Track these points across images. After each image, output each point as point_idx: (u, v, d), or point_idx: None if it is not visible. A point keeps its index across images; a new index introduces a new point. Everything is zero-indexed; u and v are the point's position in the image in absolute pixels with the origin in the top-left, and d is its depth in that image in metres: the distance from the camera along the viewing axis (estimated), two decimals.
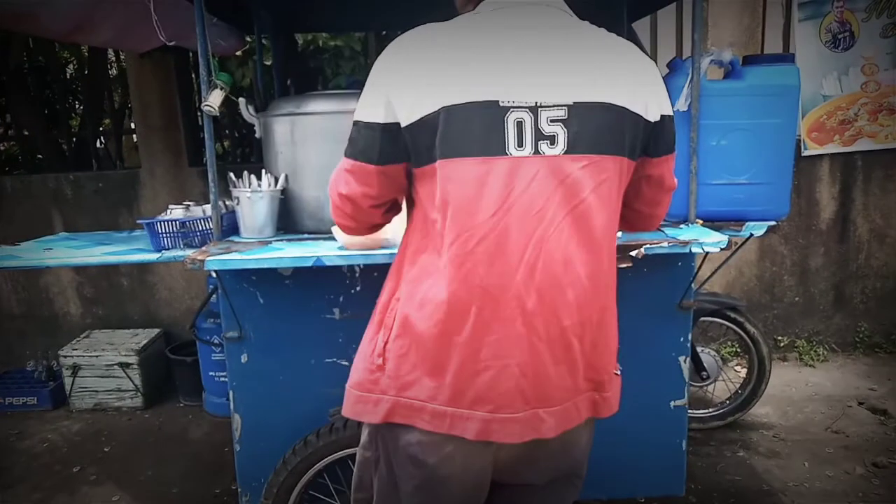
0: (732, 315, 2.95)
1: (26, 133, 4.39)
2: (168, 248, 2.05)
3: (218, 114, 1.96)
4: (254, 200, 2.04)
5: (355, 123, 1.15)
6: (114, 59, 4.74)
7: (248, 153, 4.41)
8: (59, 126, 4.41)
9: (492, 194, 1.07)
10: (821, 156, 3.68)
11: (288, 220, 2.16)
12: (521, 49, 1.09)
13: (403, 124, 1.09)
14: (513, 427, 1.11)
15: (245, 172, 2.11)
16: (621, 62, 1.13)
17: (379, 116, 1.11)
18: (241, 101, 2.15)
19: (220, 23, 2.80)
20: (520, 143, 1.07)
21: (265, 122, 2.15)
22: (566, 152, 1.08)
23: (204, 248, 1.92)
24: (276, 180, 2.10)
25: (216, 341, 2.98)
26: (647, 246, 1.78)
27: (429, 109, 1.06)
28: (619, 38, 1.18)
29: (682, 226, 2.01)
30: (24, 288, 3.85)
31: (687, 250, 1.80)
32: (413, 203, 1.21)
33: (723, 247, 1.79)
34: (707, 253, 1.84)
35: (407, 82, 1.08)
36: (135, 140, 4.46)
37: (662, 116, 1.17)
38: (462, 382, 1.10)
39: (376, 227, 1.31)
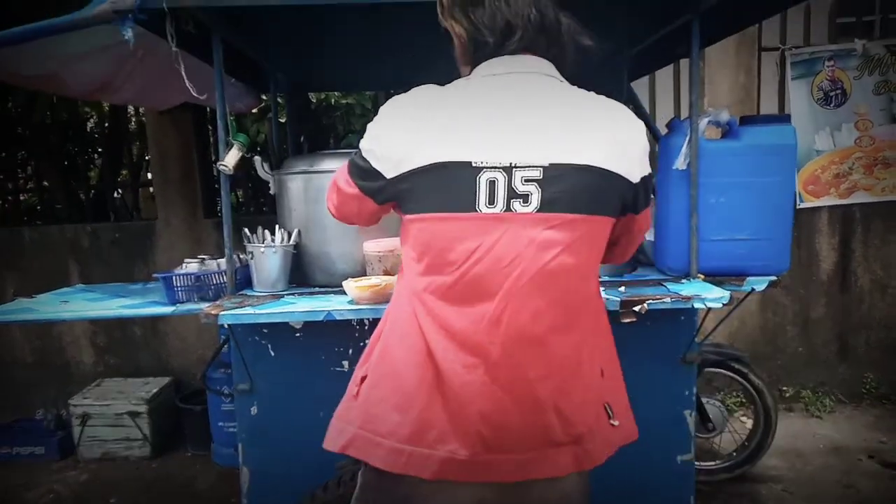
0: (736, 366, 2.93)
1: (46, 184, 4.48)
2: (183, 302, 2.07)
3: (233, 172, 2.01)
4: (267, 255, 2.08)
5: (357, 151, 1.24)
6: (133, 113, 4.86)
7: (263, 203, 4.47)
8: (78, 178, 4.50)
9: (461, 248, 1.12)
10: (819, 208, 3.72)
11: (300, 273, 2.19)
12: (502, 113, 1.13)
13: (387, 176, 1.17)
14: (471, 468, 1.13)
15: (259, 228, 2.15)
16: (606, 125, 1.16)
17: (370, 158, 1.20)
18: (257, 159, 2.21)
19: (237, 83, 2.90)
20: (491, 201, 1.11)
21: (279, 180, 2.21)
22: (539, 211, 1.11)
23: (218, 302, 1.95)
24: (289, 235, 2.14)
25: (226, 392, 2.97)
26: (651, 301, 1.80)
27: (407, 167, 1.13)
28: (608, 100, 1.21)
29: (683, 280, 2.03)
30: (38, 336, 3.87)
31: (689, 306, 1.81)
32: (402, 245, 1.27)
33: (725, 302, 1.80)
34: (710, 308, 1.85)
35: (391, 141, 1.15)
36: (151, 191, 4.55)
37: (643, 177, 1.21)
38: (424, 421, 1.13)
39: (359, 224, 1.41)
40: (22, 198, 4.76)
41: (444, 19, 1.24)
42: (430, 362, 1.14)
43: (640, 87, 3.45)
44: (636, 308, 1.79)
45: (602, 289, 1.93)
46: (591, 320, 1.22)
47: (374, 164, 1.18)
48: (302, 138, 3.35)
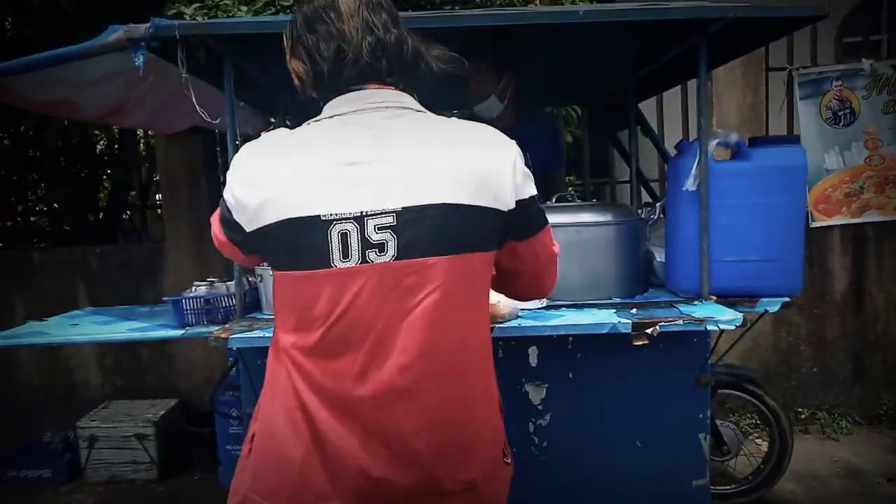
0: (750, 388, 2.90)
1: (55, 205, 4.53)
2: (192, 325, 2.08)
3: None
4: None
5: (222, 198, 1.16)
6: (142, 135, 4.92)
7: None
8: (87, 199, 4.55)
9: (322, 305, 1.07)
10: (831, 227, 3.70)
11: None
12: (349, 158, 1.07)
13: (246, 231, 1.11)
14: None
15: None
16: (465, 157, 1.08)
17: (229, 209, 1.13)
18: None
19: (246, 106, 2.93)
20: (345, 255, 1.05)
21: None
22: (397, 258, 1.05)
23: (227, 326, 1.95)
24: None
25: (234, 414, 2.97)
26: (663, 324, 1.79)
27: (258, 224, 1.08)
28: (472, 127, 1.14)
29: (696, 302, 2.02)
30: (46, 358, 3.88)
31: (702, 328, 1.81)
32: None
33: (738, 324, 1.79)
34: (723, 331, 1.84)
35: (243, 194, 1.09)
36: (160, 212, 4.58)
37: (519, 202, 1.12)
38: (305, 480, 1.09)
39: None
40: (32, 219, 4.81)
41: (289, 62, 1.19)
42: (305, 420, 1.09)
43: (647, 107, 3.47)
44: (648, 330, 1.78)
45: (613, 311, 1.94)
46: (479, 361, 1.16)
47: (234, 216, 1.12)
48: None
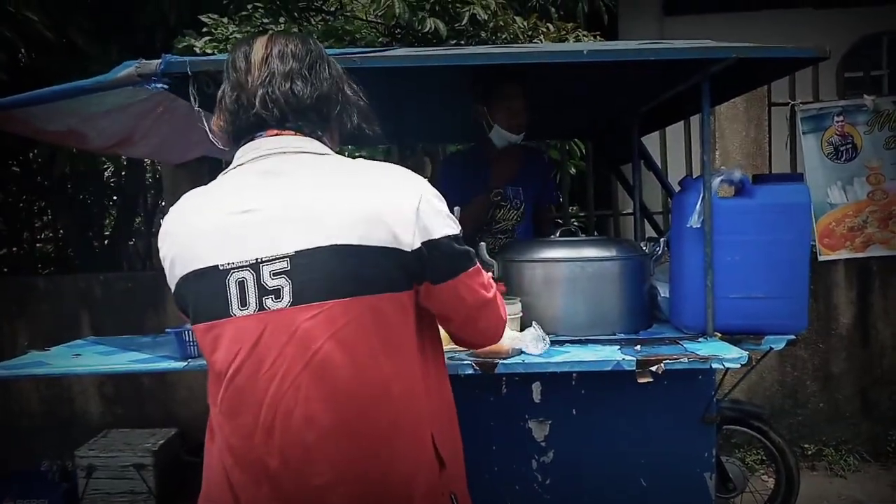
0: (756, 423, 2.87)
1: (61, 232, 4.56)
2: (195, 357, 2.07)
3: None
4: None
5: None
6: (149, 164, 4.97)
7: None
8: (93, 226, 4.58)
9: (223, 358, 1.07)
10: (835, 261, 3.70)
11: None
12: (245, 205, 1.08)
13: (172, 289, 1.17)
14: None
15: None
16: (362, 197, 1.07)
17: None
18: None
19: None
20: (243, 303, 1.06)
21: None
22: (293, 304, 1.04)
23: None
24: None
25: None
26: (667, 361, 1.79)
27: (174, 280, 1.14)
28: (380, 166, 1.14)
29: (700, 339, 2.01)
30: (46, 386, 3.87)
31: (707, 366, 1.80)
32: None
33: (743, 363, 1.79)
34: (728, 368, 1.83)
35: (162, 256, 1.15)
36: None
37: (427, 242, 1.09)
38: None
39: None
40: (37, 245, 4.83)
41: (215, 123, 1.20)
42: (226, 483, 1.10)
43: (651, 141, 3.49)
44: (653, 368, 1.78)
45: (617, 347, 1.93)
46: (405, 408, 1.10)
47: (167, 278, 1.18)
48: None
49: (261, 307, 1.05)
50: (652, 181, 3.36)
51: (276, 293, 1.05)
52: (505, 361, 1.81)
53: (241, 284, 1.06)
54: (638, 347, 1.93)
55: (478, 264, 1.21)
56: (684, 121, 3.85)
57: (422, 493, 1.11)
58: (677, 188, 2.22)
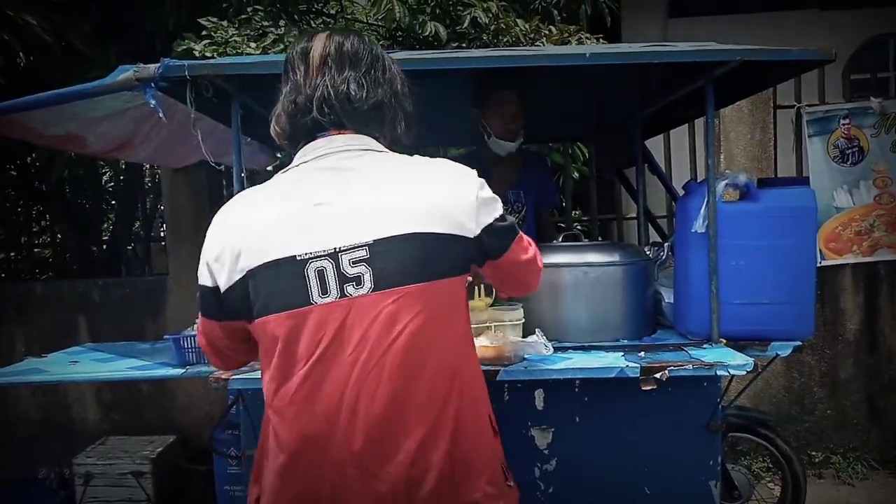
0: (763, 430, 2.85)
1: (59, 237, 4.56)
2: (193, 364, 2.08)
3: None
4: None
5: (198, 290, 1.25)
6: (148, 168, 4.98)
7: None
8: (91, 231, 4.58)
9: (303, 345, 1.11)
10: (842, 266, 3.69)
11: None
12: (319, 198, 1.14)
13: (222, 290, 1.18)
14: None
15: None
16: (426, 189, 1.16)
17: (207, 281, 1.21)
18: None
19: (252, 141, 2.97)
20: (324, 291, 1.11)
21: None
22: (374, 290, 1.11)
23: None
24: None
25: (234, 454, 2.94)
26: (672, 368, 1.78)
27: (238, 275, 1.15)
28: (429, 162, 1.23)
29: (705, 345, 2.01)
30: (44, 392, 3.87)
31: (712, 373, 1.79)
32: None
33: (748, 370, 1.78)
34: (733, 375, 1.82)
35: (218, 253, 1.18)
36: (164, 244, 4.61)
37: (485, 228, 1.20)
38: None
39: (244, 364, 1.40)
40: (35, 251, 4.84)
41: (274, 123, 1.25)
42: (296, 473, 1.12)
43: (655, 144, 3.49)
44: (657, 375, 1.77)
45: (621, 353, 1.93)
46: (469, 382, 1.21)
47: (212, 281, 1.19)
48: None
49: (342, 294, 1.11)
50: (656, 185, 3.36)
51: (357, 280, 1.11)
52: (507, 368, 1.80)
53: (321, 273, 1.11)
54: (642, 354, 1.92)
55: (520, 231, 1.32)
56: (689, 124, 3.84)
57: (486, 460, 1.21)
58: (681, 192, 2.22)
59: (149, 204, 4.86)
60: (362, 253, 1.11)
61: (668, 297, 2.28)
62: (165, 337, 2.15)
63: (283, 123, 1.23)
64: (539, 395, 1.97)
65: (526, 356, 1.86)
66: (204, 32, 3.03)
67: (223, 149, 2.76)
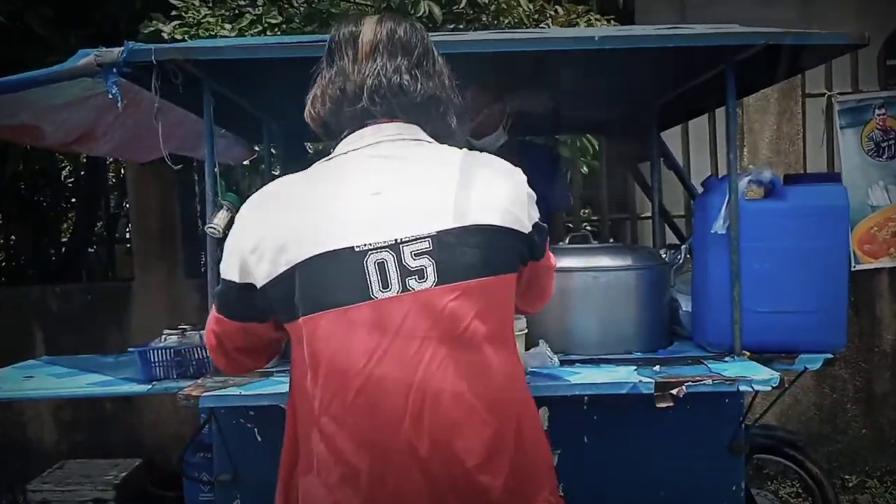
0: (791, 452, 2.86)
1: (13, 238, 4.55)
2: (160, 379, 2.07)
3: (222, 236, 2.04)
4: None
5: (220, 276, 1.25)
6: (112, 162, 4.98)
7: None
8: (49, 232, 4.58)
9: (361, 344, 1.11)
10: (878, 270, 3.69)
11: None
12: (373, 188, 1.16)
13: (259, 285, 1.17)
14: None
15: None
16: (488, 182, 1.21)
17: (235, 276, 1.20)
18: None
19: (227, 133, 2.97)
20: (384, 285, 1.12)
21: None
22: (437, 284, 1.12)
23: (199, 381, 1.94)
24: None
25: (205, 479, 2.93)
26: (690, 384, 1.78)
27: (283, 267, 1.14)
28: (481, 156, 1.27)
29: (727, 358, 2.01)
30: None
31: (734, 389, 1.80)
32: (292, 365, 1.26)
33: (774, 385, 1.78)
34: (757, 391, 1.83)
35: (256, 243, 1.16)
36: (129, 247, 4.60)
37: (534, 225, 1.25)
38: None
39: (252, 370, 1.42)
40: None
41: (310, 108, 1.28)
42: (355, 484, 1.12)
43: (671, 137, 3.50)
44: (674, 391, 1.77)
45: (634, 367, 1.93)
46: (523, 384, 1.26)
47: (247, 277, 1.19)
48: None
49: (405, 288, 1.12)
50: (673, 181, 3.36)
51: (420, 273, 1.13)
52: None
53: (382, 266, 1.12)
54: (657, 368, 1.92)
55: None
56: (708, 114, 3.85)
57: (550, 473, 1.25)
58: (700, 189, 2.22)
59: (113, 202, 4.86)
60: (425, 245, 1.13)
61: (685, 305, 2.28)
62: (130, 349, 2.15)
63: (323, 109, 1.25)
64: (543, 413, 1.96)
65: (530, 370, 1.86)
66: (174, 13, 3.03)
67: (195, 142, 2.75)
